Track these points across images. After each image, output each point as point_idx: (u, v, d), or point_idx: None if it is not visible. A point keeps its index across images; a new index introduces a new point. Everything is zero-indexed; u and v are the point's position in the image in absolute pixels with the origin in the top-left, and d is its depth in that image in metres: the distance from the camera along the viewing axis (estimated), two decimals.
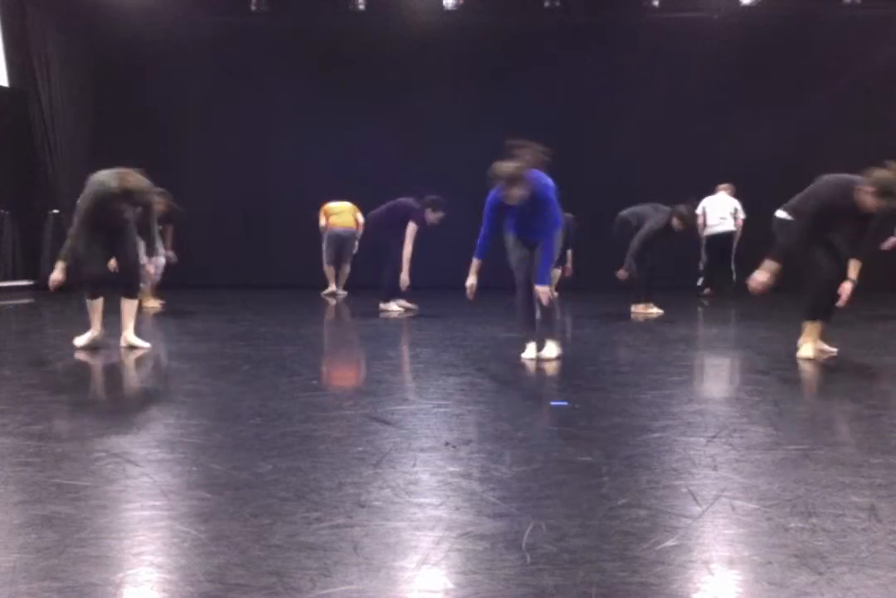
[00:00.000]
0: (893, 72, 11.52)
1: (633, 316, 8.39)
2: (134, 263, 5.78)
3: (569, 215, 9.99)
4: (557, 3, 11.27)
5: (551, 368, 5.03)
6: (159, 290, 9.06)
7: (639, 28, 11.70)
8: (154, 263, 6.23)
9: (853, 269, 5.14)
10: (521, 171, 4.94)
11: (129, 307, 5.71)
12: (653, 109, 11.53)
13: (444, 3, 11.19)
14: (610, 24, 11.71)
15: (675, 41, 11.49)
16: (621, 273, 8.43)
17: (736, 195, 10.86)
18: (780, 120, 11.24)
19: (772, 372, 4.93)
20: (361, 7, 11.25)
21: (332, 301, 10.32)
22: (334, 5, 11.33)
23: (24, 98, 11.28)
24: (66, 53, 11.66)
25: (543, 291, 5.05)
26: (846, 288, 5.10)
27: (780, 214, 5.41)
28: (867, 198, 4.88)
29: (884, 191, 4.82)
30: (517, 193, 4.98)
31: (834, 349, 5.46)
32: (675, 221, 8.18)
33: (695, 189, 9.67)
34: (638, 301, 8.61)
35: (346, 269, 10.72)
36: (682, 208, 8.21)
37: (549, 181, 5.13)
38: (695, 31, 11.45)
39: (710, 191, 10.85)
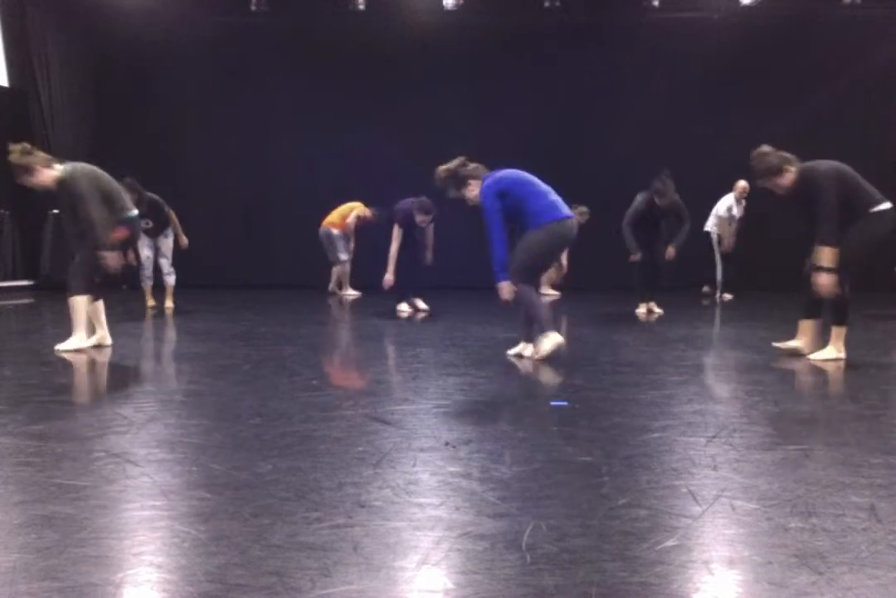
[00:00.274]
0: (893, 72, 11.52)
1: (638, 316, 8.38)
2: (76, 262, 5.59)
3: None
4: (557, 3, 11.28)
5: (551, 368, 5.02)
6: (173, 290, 8.88)
7: (639, 28, 11.71)
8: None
9: (821, 256, 4.94)
10: (448, 172, 5.31)
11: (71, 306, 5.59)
12: (652, 109, 11.53)
13: (444, 3, 11.19)
14: (610, 24, 11.71)
15: (675, 41, 11.50)
16: (633, 258, 8.40)
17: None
18: (780, 120, 11.24)
19: (772, 372, 4.94)
20: (361, 7, 11.25)
21: (333, 301, 10.35)
22: (334, 5, 11.33)
23: (24, 98, 11.28)
24: (66, 53, 11.66)
25: (498, 288, 5.16)
26: (815, 279, 4.98)
27: None
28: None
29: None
30: (466, 196, 5.33)
31: (797, 345, 5.44)
32: (656, 198, 8.18)
33: (694, 188, 9.65)
34: (642, 300, 8.59)
35: (343, 268, 10.75)
36: (656, 183, 8.20)
37: (495, 186, 5.19)
38: (695, 31, 11.45)
39: (711, 190, 10.83)
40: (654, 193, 8.20)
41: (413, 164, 11.28)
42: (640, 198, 8.38)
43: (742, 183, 10.37)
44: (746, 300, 10.37)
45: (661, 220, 8.42)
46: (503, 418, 3.63)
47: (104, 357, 5.43)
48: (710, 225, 10.72)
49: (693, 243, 10.85)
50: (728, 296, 10.70)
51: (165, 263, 8.70)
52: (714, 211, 10.71)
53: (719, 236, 10.69)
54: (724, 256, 10.70)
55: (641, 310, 8.54)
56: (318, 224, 10.67)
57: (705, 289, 11.00)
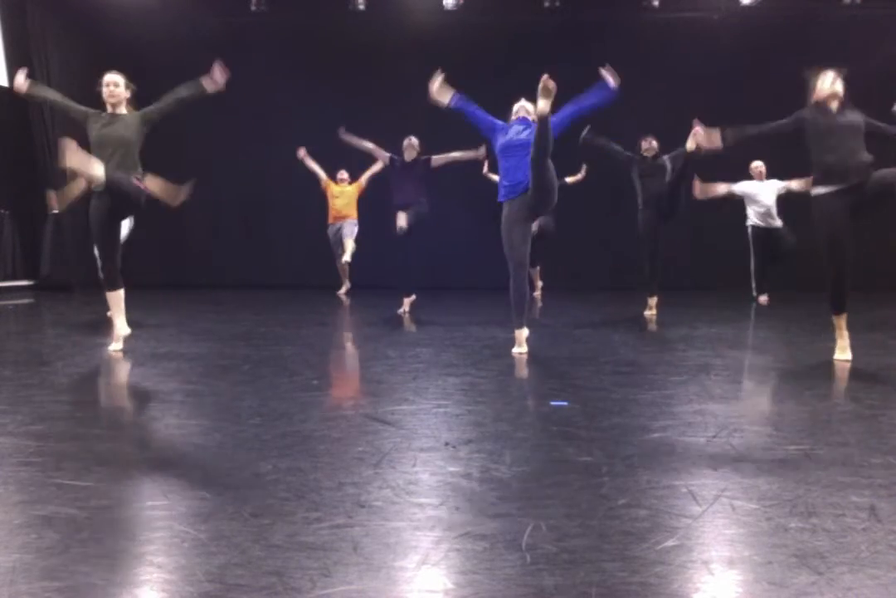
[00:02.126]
0: (893, 72, 11.52)
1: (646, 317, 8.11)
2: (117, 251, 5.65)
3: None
4: (557, 3, 11.27)
5: (551, 368, 5.02)
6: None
7: (639, 28, 11.70)
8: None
9: None
10: None
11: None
12: (652, 109, 11.53)
13: (444, 3, 11.18)
14: (610, 24, 11.71)
15: (675, 41, 11.50)
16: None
17: (734, 195, 10.68)
18: (779, 120, 11.24)
19: (772, 372, 4.93)
20: (361, 7, 11.24)
21: (345, 299, 10.40)
22: (334, 5, 11.33)
23: (24, 98, 11.28)
24: (67, 53, 11.66)
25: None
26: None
27: None
28: None
29: None
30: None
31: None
32: (643, 143, 8.25)
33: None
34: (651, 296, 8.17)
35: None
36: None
37: None
38: (695, 31, 11.45)
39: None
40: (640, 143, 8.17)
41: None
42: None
43: (755, 163, 9.62)
44: (747, 300, 10.36)
45: (659, 196, 7.99)
46: (503, 418, 3.63)
47: (104, 357, 5.43)
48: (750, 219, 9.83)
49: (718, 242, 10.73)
50: (763, 299, 9.66)
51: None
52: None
53: (755, 228, 9.70)
54: (760, 254, 9.68)
55: (651, 311, 8.12)
56: (318, 223, 10.69)
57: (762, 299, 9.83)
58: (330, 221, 10.69)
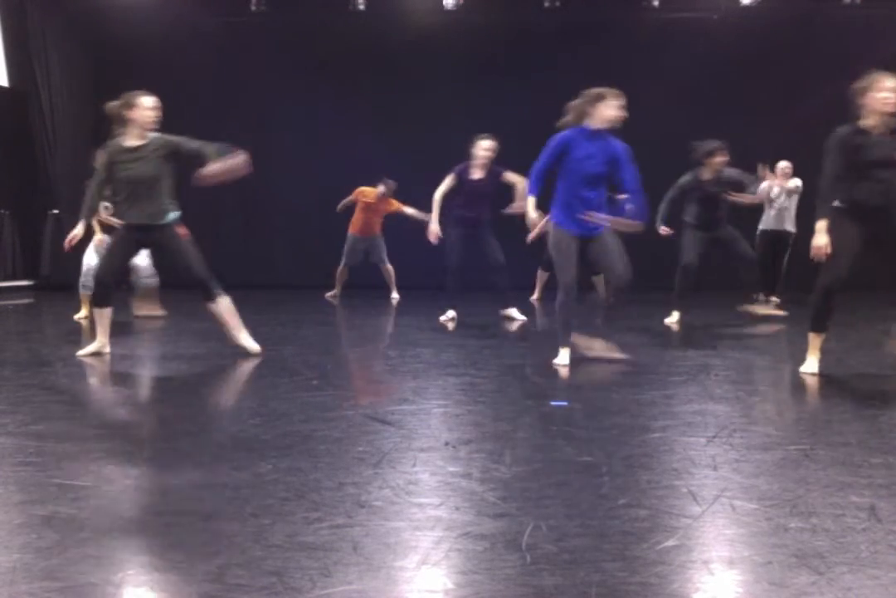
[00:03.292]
0: (894, 72, 11.52)
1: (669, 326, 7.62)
2: (196, 263, 5.66)
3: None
4: (557, 3, 11.27)
5: (552, 368, 5.02)
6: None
7: (639, 28, 11.70)
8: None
9: None
10: None
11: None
12: (652, 109, 11.53)
13: (444, 3, 11.19)
14: (610, 24, 11.71)
15: (675, 41, 11.50)
16: (662, 231, 7.71)
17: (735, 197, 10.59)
18: (779, 120, 11.24)
19: (772, 372, 4.93)
20: (361, 7, 11.24)
21: (334, 302, 10.33)
22: (334, 5, 11.33)
23: (24, 98, 11.29)
24: (67, 53, 11.66)
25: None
26: None
27: None
28: None
29: None
30: None
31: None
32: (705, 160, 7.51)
33: None
34: (678, 308, 7.65)
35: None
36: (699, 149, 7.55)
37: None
38: (695, 31, 11.46)
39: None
40: (702, 157, 7.40)
41: (413, 163, 11.30)
42: (687, 176, 7.64)
43: (783, 163, 9.47)
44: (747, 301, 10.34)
45: (718, 211, 7.58)
46: (503, 418, 3.63)
47: (104, 357, 5.42)
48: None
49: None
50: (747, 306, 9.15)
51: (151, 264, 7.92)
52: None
53: (764, 233, 9.49)
54: (763, 257, 9.22)
55: (673, 319, 7.60)
56: (318, 224, 10.64)
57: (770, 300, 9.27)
58: (355, 231, 10.02)
